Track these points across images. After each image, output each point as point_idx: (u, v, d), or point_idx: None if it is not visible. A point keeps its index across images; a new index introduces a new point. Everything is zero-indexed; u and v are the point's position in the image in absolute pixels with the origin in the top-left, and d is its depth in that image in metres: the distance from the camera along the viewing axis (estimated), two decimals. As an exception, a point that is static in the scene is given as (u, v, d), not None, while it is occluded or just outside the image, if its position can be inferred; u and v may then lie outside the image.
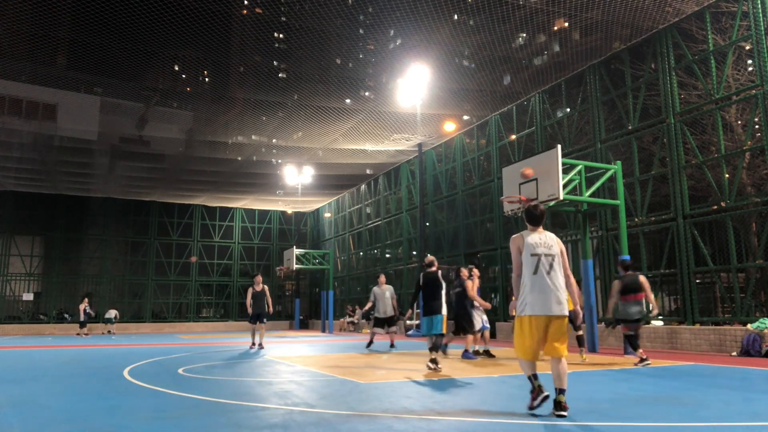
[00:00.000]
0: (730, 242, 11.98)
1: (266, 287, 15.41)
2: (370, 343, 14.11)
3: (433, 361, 8.75)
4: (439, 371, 8.51)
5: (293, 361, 11.23)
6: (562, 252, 5.32)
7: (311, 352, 13.82)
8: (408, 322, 22.80)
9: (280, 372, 9.01)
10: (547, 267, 5.17)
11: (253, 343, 14.89)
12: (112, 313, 28.01)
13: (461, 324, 11.01)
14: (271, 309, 15.31)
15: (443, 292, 9.16)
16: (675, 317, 13.83)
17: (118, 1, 12.57)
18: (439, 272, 9.41)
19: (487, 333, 11.54)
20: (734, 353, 11.04)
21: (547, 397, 5.00)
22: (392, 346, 13.75)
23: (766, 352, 10.43)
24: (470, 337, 11.00)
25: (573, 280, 5.50)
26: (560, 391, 4.97)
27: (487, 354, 11.27)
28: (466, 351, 10.99)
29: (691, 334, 12.33)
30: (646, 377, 7.77)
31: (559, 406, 4.92)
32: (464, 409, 5.37)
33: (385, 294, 13.86)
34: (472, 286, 11.11)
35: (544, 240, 5.31)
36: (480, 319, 11.25)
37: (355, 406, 5.55)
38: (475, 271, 11.53)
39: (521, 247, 5.27)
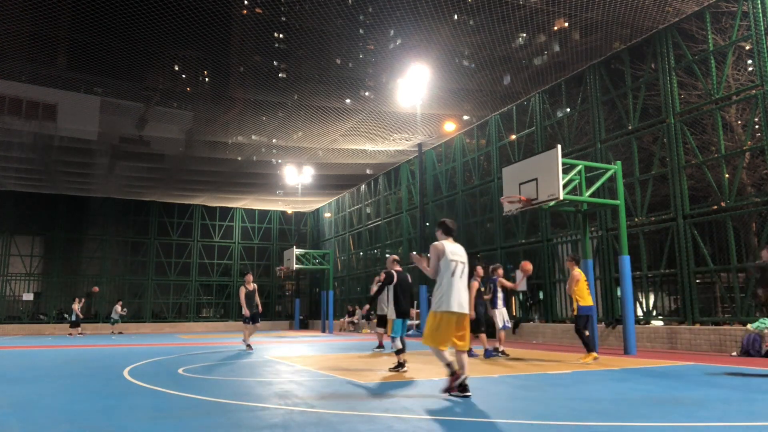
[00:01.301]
0: (730, 242, 11.98)
1: (256, 286, 15.26)
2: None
3: (401, 364, 8.73)
4: (405, 372, 8.52)
5: (293, 361, 11.23)
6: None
7: (311, 352, 13.82)
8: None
9: (280, 372, 9.01)
10: (460, 272, 6.22)
11: (248, 344, 14.71)
12: (117, 311, 27.27)
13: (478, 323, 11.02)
14: (260, 308, 15.14)
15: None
16: (675, 317, 13.83)
17: (118, 1, 12.57)
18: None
19: (503, 333, 11.54)
20: (734, 353, 11.04)
21: (464, 380, 5.98)
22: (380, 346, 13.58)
23: (766, 352, 10.42)
24: (482, 336, 11.05)
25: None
26: (464, 377, 6.07)
27: (503, 353, 11.27)
28: (486, 350, 11.06)
29: (691, 334, 12.33)
30: (646, 377, 7.78)
31: (464, 388, 5.99)
32: (464, 409, 5.37)
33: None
34: (476, 286, 11.20)
35: (458, 249, 6.36)
36: (502, 318, 11.34)
37: (355, 406, 5.55)
38: (499, 271, 11.67)
39: (441, 254, 6.21)
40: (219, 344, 17.46)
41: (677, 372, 8.37)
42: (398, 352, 8.88)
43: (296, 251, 27.69)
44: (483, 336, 11.21)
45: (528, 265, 11.17)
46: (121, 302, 27.56)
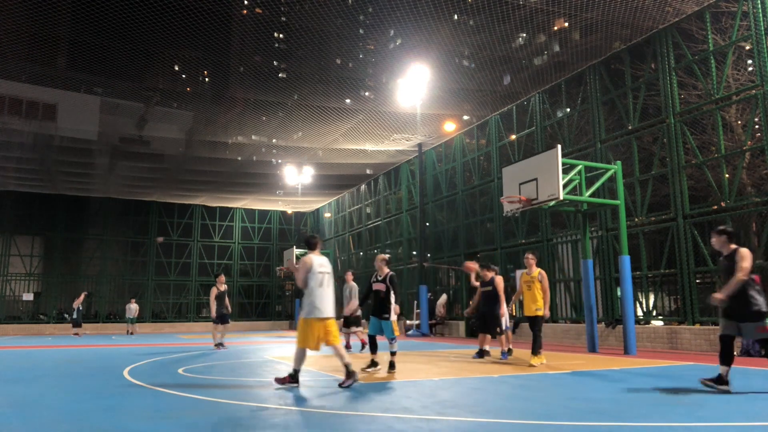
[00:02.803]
0: (730, 242, 11.95)
1: (227, 287, 15.23)
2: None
3: (374, 363, 8.70)
4: (378, 372, 8.46)
5: (293, 360, 11.21)
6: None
7: (311, 352, 13.79)
8: (408, 321, 22.80)
9: (280, 372, 8.99)
10: (326, 282, 7.06)
11: (218, 344, 14.55)
12: (132, 310, 26.57)
13: (487, 324, 10.98)
14: (229, 309, 15.05)
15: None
16: (675, 317, 13.82)
17: (118, 1, 12.57)
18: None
19: (509, 333, 11.49)
20: (734, 353, 11.03)
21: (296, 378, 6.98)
22: (348, 347, 13.43)
23: (766, 352, 10.41)
24: (487, 337, 11.03)
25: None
26: (349, 364, 6.91)
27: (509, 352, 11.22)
28: (503, 352, 11.05)
29: (691, 334, 12.33)
30: (646, 377, 7.77)
31: (350, 374, 6.87)
32: (464, 409, 5.37)
33: (353, 292, 13.57)
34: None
35: (325, 261, 7.23)
36: (503, 320, 11.31)
37: (355, 406, 5.55)
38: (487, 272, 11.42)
39: (309, 268, 6.99)
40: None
41: (677, 372, 8.37)
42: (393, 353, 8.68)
43: (296, 251, 27.67)
44: (503, 338, 10.97)
45: (471, 265, 11.37)
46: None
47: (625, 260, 11.98)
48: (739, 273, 6.25)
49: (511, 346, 11.21)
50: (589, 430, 4.37)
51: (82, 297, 25.50)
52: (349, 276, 13.66)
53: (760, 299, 6.28)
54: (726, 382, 6.30)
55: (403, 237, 25.25)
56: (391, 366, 8.56)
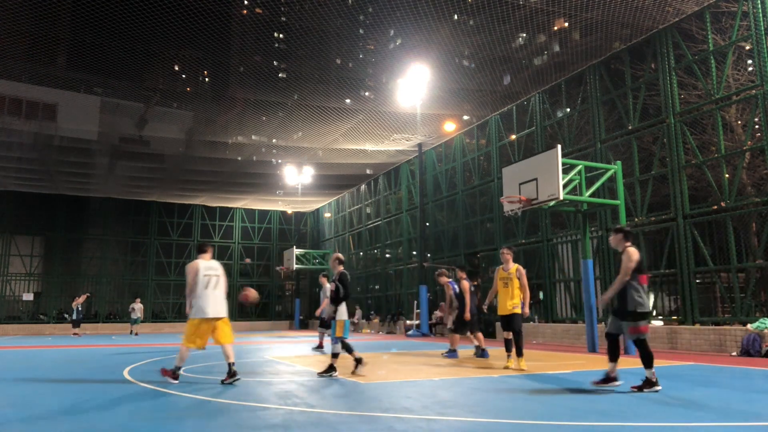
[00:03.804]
0: (730, 242, 11.98)
1: None
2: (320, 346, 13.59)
3: (332, 367, 8.24)
4: (335, 375, 8.07)
5: (293, 361, 11.24)
6: (223, 273, 7.71)
7: (311, 352, 13.82)
8: (408, 321, 22.80)
9: (280, 372, 9.00)
10: (213, 284, 7.47)
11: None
12: (137, 310, 25.80)
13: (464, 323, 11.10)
14: None
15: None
16: (675, 317, 13.82)
17: (118, 1, 12.57)
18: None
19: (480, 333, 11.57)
20: (734, 353, 11.04)
21: (176, 375, 7.41)
22: (320, 347, 13.35)
23: (766, 352, 10.43)
24: (479, 335, 11.19)
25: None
26: (232, 364, 7.42)
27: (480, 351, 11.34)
28: (481, 349, 11.12)
29: (691, 334, 12.33)
30: (646, 377, 7.76)
31: (232, 374, 7.34)
32: (464, 409, 5.37)
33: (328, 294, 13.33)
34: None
35: (214, 264, 7.65)
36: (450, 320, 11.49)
37: (355, 406, 5.55)
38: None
39: (196, 272, 7.42)
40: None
41: (677, 372, 8.37)
42: (344, 351, 8.27)
43: (296, 251, 27.70)
44: (480, 335, 11.29)
45: (248, 293, 8.87)
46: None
47: (625, 260, 11.96)
48: (621, 273, 6.42)
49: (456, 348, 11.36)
50: (589, 430, 4.37)
51: (82, 298, 25.46)
52: (324, 279, 13.77)
53: (638, 300, 6.33)
54: (614, 379, 6.50)
55: (403, 237, 25.25)
56: (330, 369, 8.12)
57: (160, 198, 31.93)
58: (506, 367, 8.75)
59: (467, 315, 10.96)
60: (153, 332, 29.84)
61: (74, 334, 24.71)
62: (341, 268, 8.45)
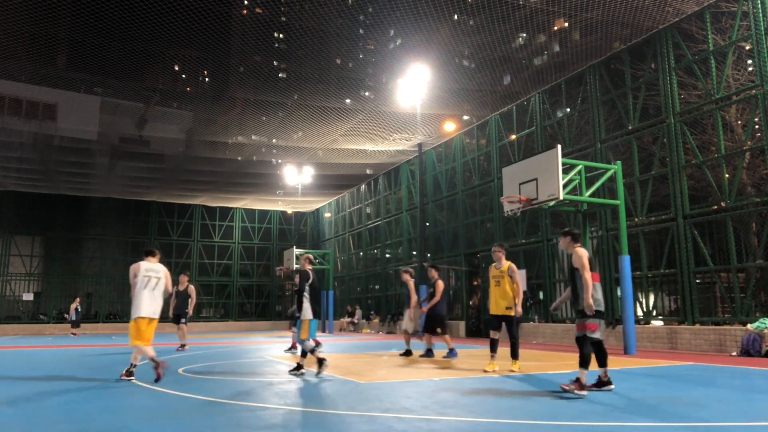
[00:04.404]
0: (730, 242, 11.97)
1: (192, 287, 15.19)
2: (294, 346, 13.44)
3: (300, 367, 8.45)
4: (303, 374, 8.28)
5: (293, 361, 11.22)
6: (169, 276, 8.23)
7: (289, 353, 13.79)
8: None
9: (280, 372, 9.00)
10: (153, 285, 7.86)
11: (182, 345, 14.58)
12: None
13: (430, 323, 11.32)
14: (190, 312, 14.87)
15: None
16: (675, 317, 13.82)
17: (119, 1, 12.57)
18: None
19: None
20: (734, 353, 11.04)
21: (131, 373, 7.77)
22: (293, 347, 13.34)
23: (766, 352, 10.43)
24: (447, 336, 11.40)
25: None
26: (134, 366, 7.89)
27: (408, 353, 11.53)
28: (451, 350, 11.23)
29: (691, 334, 12.33)
30: (646, 377, 7.77)
31: (129, 373, 7.78)
32: (464, 409, 5.37)
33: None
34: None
35: (156, 266, 8.07)
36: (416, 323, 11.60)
37: (355, 406, 5.55)
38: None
39: (137, 272, 7.84)
40: (219, 344, 17.47)
41: (677, 372, 8.36)
42: (312, 351, 8.35)
43: (296, 251, 27.63)
44: (447, 336, 11.45)
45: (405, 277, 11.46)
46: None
47: (625, 260, 11.98)
48: (583, 272, 6.37)
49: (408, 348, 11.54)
50: (589, 430, 4.37)
51: (76, 302, 25.51)
52: (298, 279, 13.78)
53: (587, 299, 6.22)
54: (607, 383, 6.42)
55: (403, 237, 25.25)
56: (297, 367, 8.36)
57: (160, 198, 31.92)
58: (485, 371, 8.35)
59: (424, 309, 11.26)
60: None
61: (72, 333, 24.89)
62: (308, 266, 8.67)
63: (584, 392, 6.10)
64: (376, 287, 28.06)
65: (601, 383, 6.39)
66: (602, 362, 6.42)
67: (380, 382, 7.48)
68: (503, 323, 8.51)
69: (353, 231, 30.65)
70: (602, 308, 6.38)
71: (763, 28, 11.74)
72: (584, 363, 6.23)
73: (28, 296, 30.16)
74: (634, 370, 8.73)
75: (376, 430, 4.42)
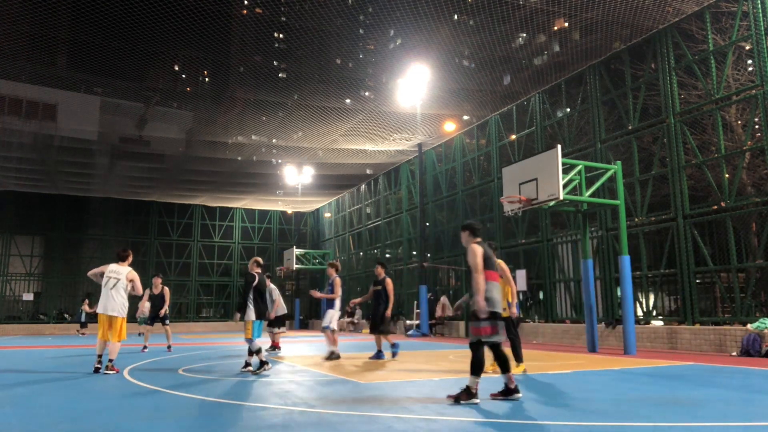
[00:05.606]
0: (730, 242, 11.98)
1: (167, 289, 15.00)
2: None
3: (262, 363, 8.76)
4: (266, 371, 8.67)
5: (293, 361, 11.25)
6: (134, 278, 9.52)
7: (311, 352, 13.83)
8: (408, 321, 22.80)
9: (280, 372, 9.01)
10: (112, 285, 9.11)
11: (145, 346, 14.87)
12: (146, 309, 26.19)
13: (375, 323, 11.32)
14: (162, 312, 14.98)
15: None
16: (675, 317, 13.83)
17: (119, 1, 12.56)
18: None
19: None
20: (734, 353, 11.04)
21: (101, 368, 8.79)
22: (277, 348, 13.40)
23: (766, 352, 10.43)
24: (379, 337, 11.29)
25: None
26: (110, 360, 8.91)
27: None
28: (379, 351, 11.20)
29: (691, 334, 12.33)
30: (646, 377, 7.78)
31: (106, 367, 8.74)
32: (464, 409, 5.37)
33: (274, 294, 13.23)
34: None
35: (119, 269, 9.36)
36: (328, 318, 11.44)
37: (355, 406, 5.55)
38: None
39: (102, 272, 9.20)
40: (219, 344, 17.47)
41: (677, 372, 8.37)
42: (258, 352, 8.75)
43: (296, 251, 27.68)
44: (384, 337, 11.28)
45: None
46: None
47: (625, 260, 11.98)
48: (474, 273, 5.89)
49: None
50: (589, 430, 4.37)
51: (86, 303, 25.54)
52: (267, 281, 13.82)
53: (479, 300, 5.72)
54: (514, 390, 5.87)
55: (403, 237, 25.25)
56: (259, 364, 8.74)
57: (160, 198, 31.91)
58: (485, 371, 7.96)
59: (388, 313, 11.21)
60: (154, 332, 29.79)
61: (81, 333, 25.09)
62: (256, 269, 9.06)
63: (476, 400, 5.62)
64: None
65: (508, 391, 5.85)
66: (504, 368, 5.89)
67: (380, 382, 7.48)
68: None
69: (353, 231, 30.65)
70: (498, 309, 5.82)
71: (763, 28, 11.74)
72: (475, 370, 5.74)
73: (28, 296, 30.15)
74: (634, 370, 8.73)
75: (376, 430, 4.43)
